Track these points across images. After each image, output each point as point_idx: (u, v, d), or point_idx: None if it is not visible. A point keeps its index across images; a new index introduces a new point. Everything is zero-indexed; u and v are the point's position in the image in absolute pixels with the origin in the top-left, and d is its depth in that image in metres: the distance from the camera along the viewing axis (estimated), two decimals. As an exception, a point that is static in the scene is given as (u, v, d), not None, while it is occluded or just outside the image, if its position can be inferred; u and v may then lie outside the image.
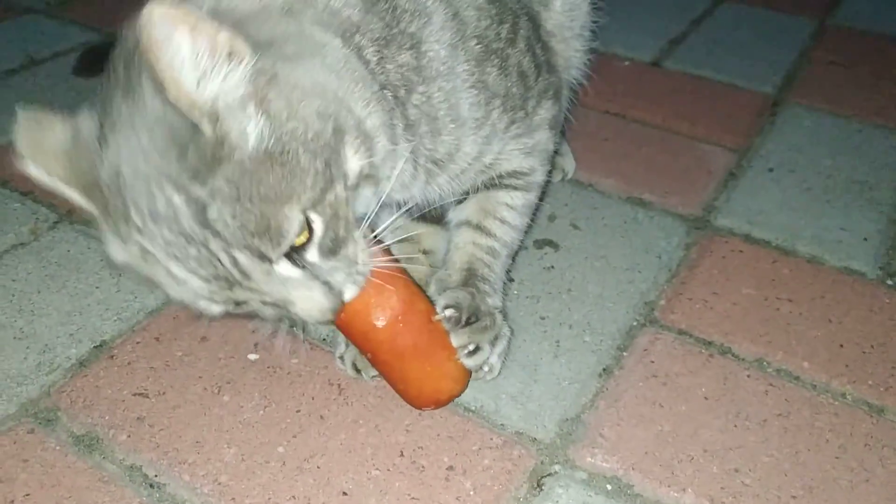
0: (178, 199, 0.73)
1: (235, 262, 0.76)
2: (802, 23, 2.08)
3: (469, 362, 1.00)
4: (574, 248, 1.32)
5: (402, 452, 0.99)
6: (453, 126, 0.96)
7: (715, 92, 1.78)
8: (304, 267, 0.80)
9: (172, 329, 1.16)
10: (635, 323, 1.18)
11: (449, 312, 0.99)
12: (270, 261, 0.77)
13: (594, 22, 1.31)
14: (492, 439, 1.00)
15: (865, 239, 1.34)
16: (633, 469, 0.97)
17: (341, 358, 1.09)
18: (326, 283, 0.81)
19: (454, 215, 1.14)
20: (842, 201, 1.43)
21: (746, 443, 1.00)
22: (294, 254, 0.78)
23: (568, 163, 1.47)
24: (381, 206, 0.89)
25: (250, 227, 0.74)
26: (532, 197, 1.13)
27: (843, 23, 2.10)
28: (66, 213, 1.39)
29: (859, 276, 1.27)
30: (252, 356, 1.12)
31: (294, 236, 0.76)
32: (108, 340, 1.15)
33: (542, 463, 0.98)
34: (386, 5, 0.90)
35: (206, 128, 0.71)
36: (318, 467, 0.97)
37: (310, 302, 0.81)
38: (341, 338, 1.09)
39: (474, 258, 1.09)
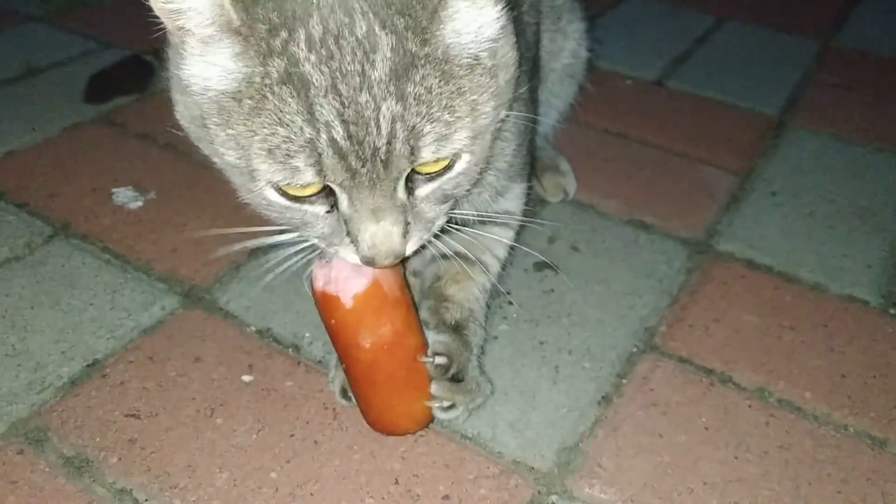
0: (384, 40, 0.68)
1: (390, 148, 0.70)
2: (806, 44, 2.08)
3: (441, 415, 0.99)
4: (574, 272, 1.30)
5: (396, 480, 0.97)
6: (511, 149, 0.97)
7: (717, 113, 1.77)
8: (409, 197, 0.77)
9: (166, 348, 1.14)
10: (635, 349, 1.16)
11: (440, 360, 0.97)
12: (410, 166, 0.73)
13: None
14: (488, 468, 0.99)
15: (869, 266, 1.33)
16: (631, 501, 0.96)
17: (332, 381, 1.07)
18: (407, 224, 0.78)
19: (441, 248, 1.12)
20: (845, 227, 1.42)
21: (747, 475, 0.99)
22: (416, 177, 0.76)
23: (569, 183, 1.46)
24: None
25: (434, 114, 0.70)
26: (514, 235, 1.16)
27: (847, 44, 2.09)
28: (62, 228, 1.37)
29: (862, 305, 1.26)
30: (246, 377, 1.10)
31: (448, 155, 0.74)
32: (101, 359, 1.13)
33: (539, 493, 0.96)
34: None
35: None
36: (311, 494, 0.95)
37: (387, 238, 0.77)
38: (333, 362, 1.07)
39: (473, 297, 1.08)
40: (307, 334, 1.16)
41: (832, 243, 1.38)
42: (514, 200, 1.12)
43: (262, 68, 0.69)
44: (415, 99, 0.69)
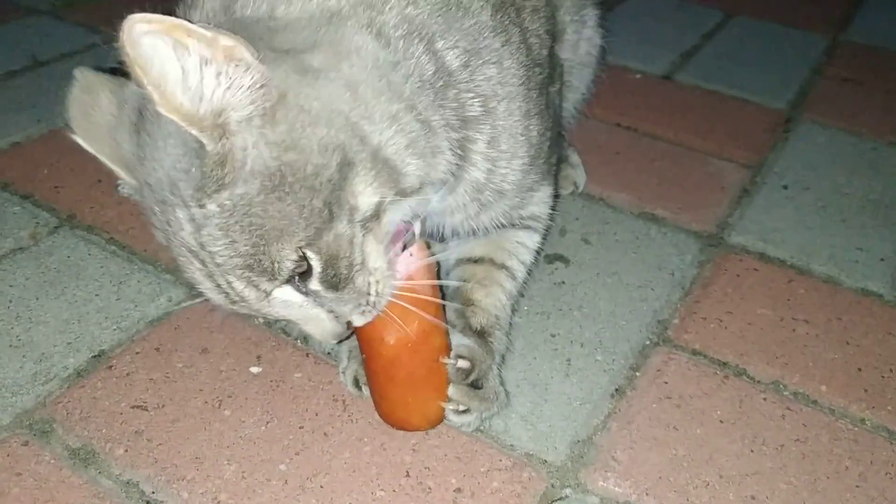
0: (181, 214, 0.72)
1: (230, 285, 0.75)
2: (814, 38, 2.06)
3: (454, 418, 0.97)
4: (585, 264, 1.29)
5: (408, 473, 0.96)
6: (525, 150, 0.94)
7: (727, 106, 1.75)
8: (307, 293, 0.78)
9: (173, 340, 1.13)
10: (648, 342, 1.15)
11: (462, 364, 0.96)
12: (267, 290, 0.75)
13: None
14: (501, 461, 0.97)
15: (882, 259, 1.32)
16: (647, 494, 0.94)
17: (343, 372, 1.06)
18: (332, 311, 0.80)
19: (467, 249, 1.10)
20: (857, 221, 1.41)
21: (763, 469, 0.97)
22: (297, 279, 0.76)
23: (579, 175, 1.45)
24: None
25: (240, 260, 0.72)
26: (541, 238, 1.14)
27: (856, 39, 2.07)
28: (67, 218, 1.36)
29: (876, 298, 1.24)
30: (254, 369, 1.09)
31: (288, 273, 0.74)
32: (107, 350, 1.11)
33: (552, 486, 0.95)
34: (472, 21, 0.87)
35: (208, 143, 0.67)
36: (321, 487, 0.94)
37: (317, 325, 0.81)
38: (344, 352, 1.06)
39: (500, 304, 1.06)
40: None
41: (845, 237, 1.37)
42: (539, 204, 1.10)
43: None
44: (221, 256, 0.72)
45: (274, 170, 0.69)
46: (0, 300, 1.19)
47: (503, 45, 0.90)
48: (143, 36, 0.63)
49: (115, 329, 1.15)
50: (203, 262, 0.74)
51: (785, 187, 1.49)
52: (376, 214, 0.77)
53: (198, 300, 0.81)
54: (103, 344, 1.12)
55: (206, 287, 0.77)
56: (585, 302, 1.21)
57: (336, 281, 0.77)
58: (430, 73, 0.82)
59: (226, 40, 0.65)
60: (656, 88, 1.82)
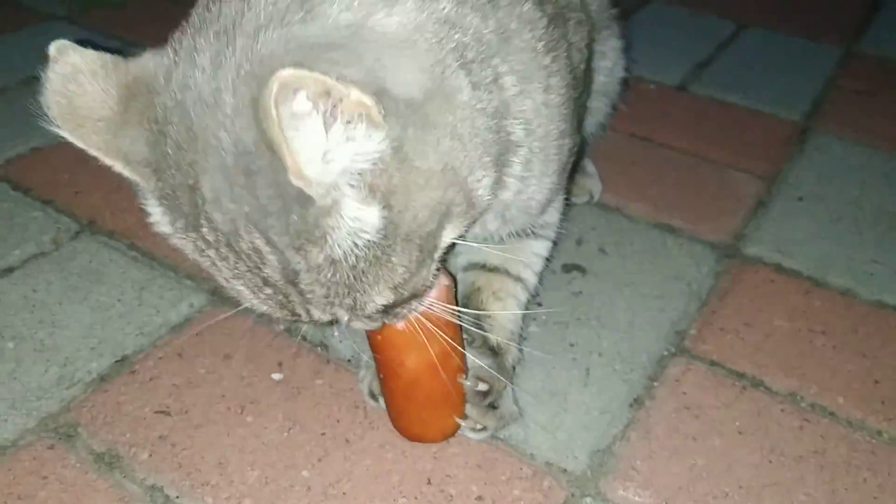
0: (269, 255, 0.68)
1: (308, 312, 0.74)
2: (828, 50, 2.07)
3: (472, 435, 1.00)
4: (602, 274, 1.30)
5: (429, 480, 0.96)
6: (555, 169, 0.92)
7: (741, 117, 1.76)
8: (371, 318, 0.79)
9: (195, 345, 1.14)
10: (666, 352, 1.16)
11: (482, 387, 0.98)
12: (343, 320, 0.77)
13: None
14: (521, 469, 0.98)
15: (898, 272, 1.32)
16: (666, 504, 0.95)
17: (361, 381, 1.07)
18: (369, 318, 0.80)
19: (480, 256, 1.09)
20: (873, 233, 1.41)
21: (782, 480, 0.98)
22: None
23: (594, 185, 1.46)
24: None
25: (335, 299, 0.72)
26: (552, 246, 1.14)
27: (870, 51, 2.08)
28: (88, 223, 1.37)
29: (892, 311, 1.24)
30: (276, 375, 1.10)
31: (372, 311, 0.75)
32: (130, 355, 1.13)
33: (572, 495, 0.96)
34: (529, 35, 0.82)
35: (323, 201, 0.63)
36: (343, 493, 0.95)
37: (356, 326, 0.83)
38: (363, 360, 1.07)
39: (514, 317, 1.06)
40: (336, 332, 1.16)
41: (860, 249, 1.37)
42: (553, 213, 1.10)
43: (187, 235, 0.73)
44: (311, 293, 0.71)
45: (380, 227, 0.67)
46: (24, 305, 1.20)
47: (552, 62, 0.86)
48: (295, 96, 0.56)
49: (137, 334, 1.16)
50: (283, 293, 0.71)
51: (800, 199, 1.49)
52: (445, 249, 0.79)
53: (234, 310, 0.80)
54: (126, 349, 1.14)
55: (266, 305, 0.74)
56: (603, 312, 1.22)
57: (393, 309, 0.79)
58: (494, 107, 0.77)
59: (366, 99, 0.60)
60: (671, 99, 1.83)
